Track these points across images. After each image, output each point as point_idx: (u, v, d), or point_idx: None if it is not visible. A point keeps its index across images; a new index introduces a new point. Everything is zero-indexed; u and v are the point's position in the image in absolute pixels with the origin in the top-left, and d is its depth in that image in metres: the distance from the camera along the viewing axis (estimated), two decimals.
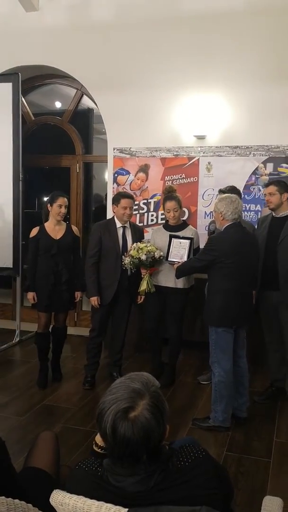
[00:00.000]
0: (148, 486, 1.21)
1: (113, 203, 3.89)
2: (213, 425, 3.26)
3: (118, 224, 3.90)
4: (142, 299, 4.00)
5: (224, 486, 1.32)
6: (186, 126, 4.81)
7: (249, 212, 4.63)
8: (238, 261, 3.13)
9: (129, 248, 3.86)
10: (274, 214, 3.59)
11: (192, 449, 1.31)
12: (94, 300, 3.85)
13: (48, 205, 3.89)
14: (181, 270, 3.56)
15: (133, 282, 3.90)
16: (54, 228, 3.91)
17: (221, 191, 3.85)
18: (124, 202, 3.80)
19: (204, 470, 1.26)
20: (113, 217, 3.95)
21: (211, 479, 1.26)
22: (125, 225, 3.92)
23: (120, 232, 3.90)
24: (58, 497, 1.25)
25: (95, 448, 1.52)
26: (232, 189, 3.86)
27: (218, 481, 1.28)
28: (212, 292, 3.26)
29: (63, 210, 3.86)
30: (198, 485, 1.23)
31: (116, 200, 3.85)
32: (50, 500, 1.26)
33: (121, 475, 1.23)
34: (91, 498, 1.22)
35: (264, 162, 4.64)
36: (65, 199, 3.88)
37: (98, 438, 1.49)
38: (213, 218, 3.68)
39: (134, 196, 4.99)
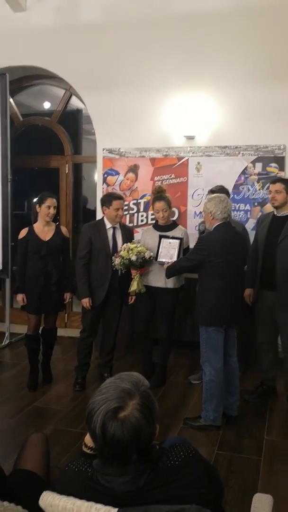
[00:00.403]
0: (138, 485, 1.21)
1: (103, 205, 3.87)
2: (204, 424, 3.27)
3: (108, 225, 3.89)
4: (133, 300, 3.99)
5: (214, 485, 1.32)
6: (175, 126, 4.82)
7: (238, 212, 4.65)
8: (228, 260, 3.14)
9: (119, 248, 3.86)
10: (275, 213, 3.57)
11: (182, 448, 1.31)
12: (86, 302, 3.84)
13: (37, 206, 3.87)
14: (171, 270, 3.56)
15: (123, 283, 3.89)
16: (43, 229, 3.89)
17: (211, 191, 3.86)
18: (116, 203, 3.79)
19: (194, 469, 1.26)
20: (103, 217, 3.94)
21: (201, 478, 1.26)
22: (115, 225, 3.92)
23: (110, 232, 3.90)
24: (47, 499, 1.25)
25: (85, 449, 1.51)
26: (221, 189, 3.87)
27: (208, 480, 1.28)
28: (202, 292, 3.27)
29: (52, 211, 3.84)
30: (188, 484, 1.23)
31: (107, 202, 3.83)
32: (40, 501, 1.26)
33: (111, 475, 1.23)
34: (81, 498, 1.21)
35: (253, 162, 4.67)
36: (54, 200, 3.86)
37: (88, 439, 1.48)
38: (203, 218, 3.69)
39: (124, 196, 4.99)
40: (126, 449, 1.18)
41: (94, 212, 5.30)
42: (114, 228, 3.92)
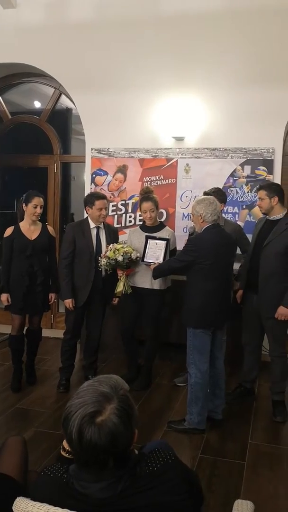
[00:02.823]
0: (115, 492, 1.18)
1: (86, 205, 3.83)
2: (188, 427, 3.24)
3: (92, 224, 3.86)
4: (116, 301, 3.96)
5: (194, 491, 1.29)
6: (165, 127, 4.80)
7: (226, 214, 4.63)
8: (218, 262, 3.14)
9: (103, 249, 3.83)
10: (267, 217, 3.59)
11: (161, 454, 1.28)
12: (69, 303, 3.80)
13: (23, 205, 3.82)
14: (160, 271, 3.54)
15: (107, 283, 3.86)
16: (29, 228, 3.84)
17: (206, 194, 3.84)
18: (98, 203, 3.76)
19: (173, 475, 1.23)
20: (87, 217, 3.90)
21: (180, 485, 1.23)
22: (99, 225, 3.88)
23: (94, 232, 3.86)
24: (21, 505, 1.21)
25: (63, 453, 1.47)
26: (217, 191, 3.86)
27: (188, 486, 1.25)
28: (191, 293, 3.25)
29: (39, 210, 3.80)
30: (166, 491, 1.20)
31: (89, 202, 3.79)
32: (13, 507, 1.22)
33: (87, 481, 1.20)
34: (56, 505, 1.18)
35: (242, 165, 4.66)
36: (41, 199, 3.81)
37: (66, 443, 1.44)
38: (192, 222, 3.66)
39: (112, 197, 4.98)
40: (103, 454, 1.15)
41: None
42: (98, 228, 3.89)
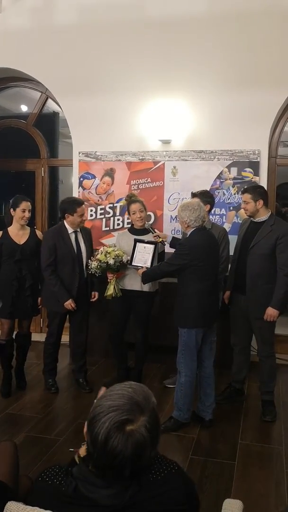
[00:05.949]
0: (122, 500, 1.17)
1: (66, 211, 3.80)
2: (175, 425, 3.31)
3: (70, 229, 3.86)
4: (95, 299, 4.01)
5: (193, 502, 1.29)
6: (152, 130, 4.82)
7: (213, 216, 4.67)
8: (209, 262, 3.21)
9: (83, 252, 3.87)
10: (252, 219, 3.62)
11: (165, 463, 1.28)
12: (69, 304, 3.79)
13: (11, 210, 3.82)
14: (151, 275, 3.54)
15: (90, 286, 3.93)
16: (18, 233, 3.84)
17: (193, 195, 3.86)
18: (80, 210, 3.78)
19: (175, 485, 1.24)
20: (63, 222, 3.89)
21: (180, 495, 1.23)
22: (77, 229, 3.90)
23: (72, 237, 3.87)
24: (12, 509, 1.21)
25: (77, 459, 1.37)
26: (204, 193, 3.88)
27: (188, 497, 1.25)
28: (186, 294, 3.27)
29: (27, 214, 3.80)
30: (167, 500, 1.20)
31: (71, 209, 3.77)
32: (5, 511, 1.22)
33: (96, 486, 1.18)
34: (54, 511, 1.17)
35: (228, 167, 4.70)
36: (28, 203, 3.81)
37: (83, 451, 1.35)
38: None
39: (100, 200, 4.99)
40: (123, 463, 1.12)
41: None
42: (75, 232, 3.90)
